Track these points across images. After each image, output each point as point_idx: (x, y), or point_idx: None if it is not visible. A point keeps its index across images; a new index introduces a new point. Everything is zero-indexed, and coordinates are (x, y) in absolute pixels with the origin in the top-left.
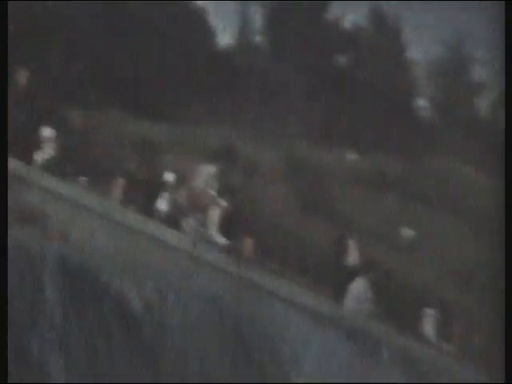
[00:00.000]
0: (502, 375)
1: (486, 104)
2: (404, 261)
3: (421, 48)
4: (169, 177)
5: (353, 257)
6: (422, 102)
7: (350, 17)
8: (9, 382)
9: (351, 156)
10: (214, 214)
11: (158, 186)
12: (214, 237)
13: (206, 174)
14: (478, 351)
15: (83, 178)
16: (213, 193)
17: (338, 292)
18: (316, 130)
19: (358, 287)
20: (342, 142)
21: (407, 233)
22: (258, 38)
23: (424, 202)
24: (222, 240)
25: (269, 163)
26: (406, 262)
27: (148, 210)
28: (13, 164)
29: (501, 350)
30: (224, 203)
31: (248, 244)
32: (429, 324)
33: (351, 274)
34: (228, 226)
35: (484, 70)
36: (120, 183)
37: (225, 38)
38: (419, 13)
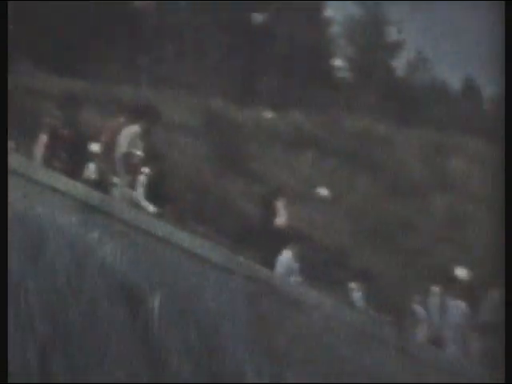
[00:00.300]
0: (502, 375)
1: (402, 64)
2: (321, 220)
3: (338, 7)
4: (94, 147)
5: (281, 220)
6: (339, 62)
7: None
8: (9, 382)
9: (269, 114)
10: (141, 180)
11: (83, 152)
12: (141, 202)
13: (129, 135)
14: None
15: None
16: (139, 153)
17: (268, 258)
18: (233, 88)
19: (286, 259)
20: (260, 101)
21: (324, 192)
22: None
23: (342, 161)
24: (148, 205)
25: (186, 122)
26: (324, 222)
27: (73, 173)
28: None
29: (501, 350)
30: (147, 169)
31: (174, 208)
32: (356, 293)
33: (280, 240)
34: (154, 191)
35: (400, 31)
36: (42, 140)
37: None
38: None
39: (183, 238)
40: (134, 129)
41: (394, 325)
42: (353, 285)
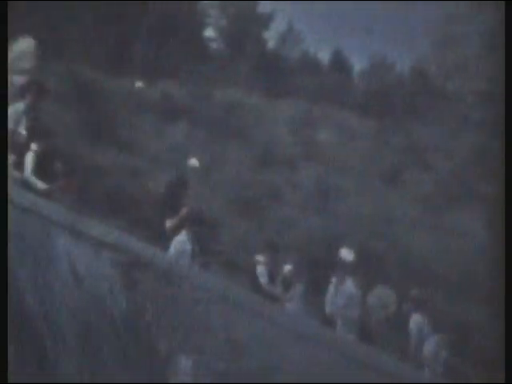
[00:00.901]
0: (502, 375)
1: (273, 36)
2: (192, 191)
3: None
4: None
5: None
6: (211, 33)
7: None
8: (9, 382)
9: (140, 84)
10: (29, 158)
11: None
12: (31, 181)
13: (14, 113)
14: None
15: None
16: (24, 132)
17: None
18: (105, 57)
19: (180, 240)
20: (132, 70)
21: (195, 162)
22: None
23: (213, 132)
24: (39, 184)
25: (56, 89)
26: (195, 193)
27: None
28: None
29: (501, 350)
30: (35, 146)
31: (69, 184)
32: (260, 270)
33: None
34: (43, 168)
35: (271, 3)
36: None
37: None
38: None
39: (53, 208)
40: (18, 106)
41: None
42: (260, 257)
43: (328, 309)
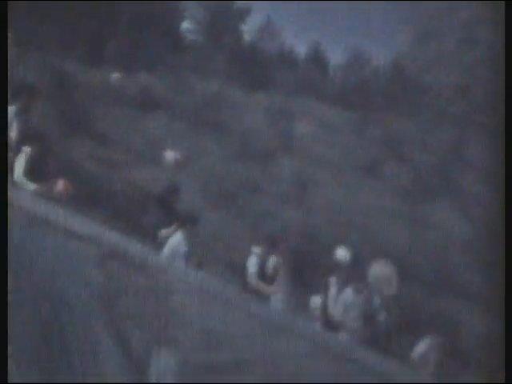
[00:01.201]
0: (502, 375)
1: (251, 29)
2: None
3: None
4: None
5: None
6: (189, 24)
7: None
8: (9, 381)
9: (117, 75)
10: (20, 159)
11: None
12: (22, 183)
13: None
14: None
15: None
16: (14, 135)
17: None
18: (82, 48)
19: (176, 241)
20: (108, 61)
21: (171, 155)
22: None
23: (191, 124)
24: (30, 185)
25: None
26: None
27: None
28: None
29: (501, 350)
30: (28, 148)
31: (60, 184)
32: (252, 261)
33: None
34: (34, 169)
35: None
36: None
37: None
38: None
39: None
40: (10, 109)
41: (238, 284)
42: (256, 249)
43: (332, 314)
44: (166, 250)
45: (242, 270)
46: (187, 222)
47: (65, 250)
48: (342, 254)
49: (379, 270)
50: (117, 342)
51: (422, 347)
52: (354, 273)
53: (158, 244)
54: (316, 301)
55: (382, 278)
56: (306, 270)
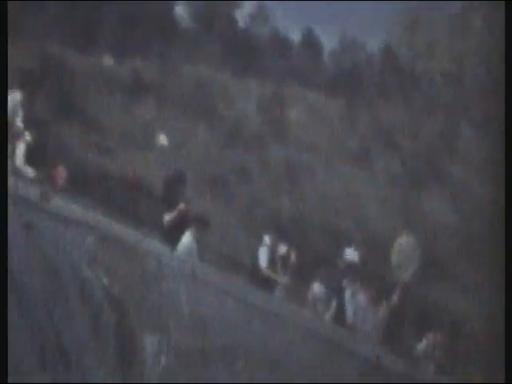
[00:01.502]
0: (502, 375)
1: (244, 15)
2: (161, 169)
3: None
4: None
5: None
6: (181, 10)
7: None
8: (9, 381)
9: (108, 61)
10: (21, 147)
11: None
12: (21, 169)
13: (11, 102)
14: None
15: None
16: (19, 123)
17: (172, 239)
18: (72, 33)
19: (187, 241)
20: (99, 47)
21: (163, 140)
22: None
23: (182, 110)
24: (29, 172)
25: (23, 67)
26: (163, 171)
27: None
28: None
29: (501, 350)
30: (28, 136)
31: (60, 170)
32: (263, 253)
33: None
34: (34, 156)
35: None
36: None
37: None
38: None
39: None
40: (16, 96)
41: (232, 273)
42: (266, 238)
43: (347, 317)
44: (179, 249)
45: (233, 257)
46: (199, 225)
47: (54, 232)
48: (351, 254)
49: (404, 244)
50: (109, 325)
51: (424, 344)
52: (365, 273)
53: (153, 227)
54: (330, 303)
55: (406, 254)
56: (300, 257)
